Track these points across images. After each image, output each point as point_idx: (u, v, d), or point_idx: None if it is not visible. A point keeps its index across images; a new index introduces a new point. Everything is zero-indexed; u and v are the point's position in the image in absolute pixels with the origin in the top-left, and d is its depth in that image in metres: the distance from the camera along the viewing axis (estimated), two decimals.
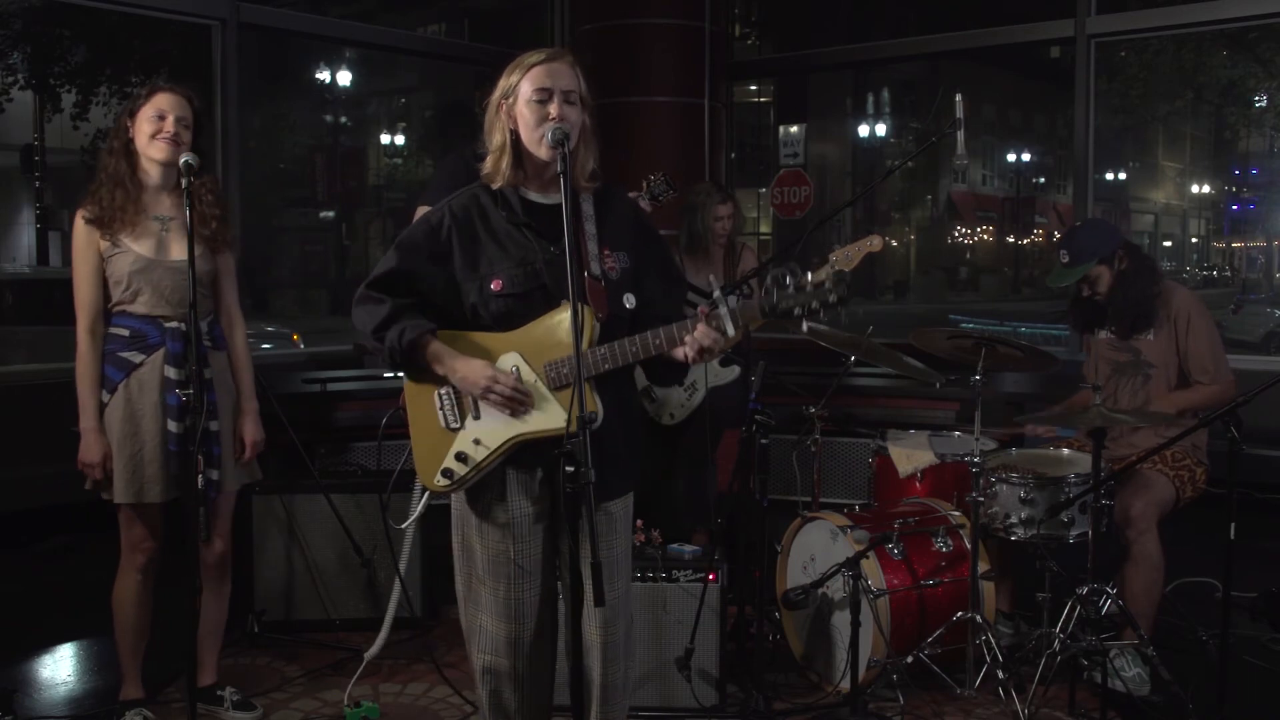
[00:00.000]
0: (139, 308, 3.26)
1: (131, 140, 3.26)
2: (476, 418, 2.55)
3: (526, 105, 2.48)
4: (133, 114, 3.26)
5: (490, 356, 2.53)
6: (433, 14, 26.79)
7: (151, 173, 3.30)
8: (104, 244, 3.23)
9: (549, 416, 2.50)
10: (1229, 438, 3.19)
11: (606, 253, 2.57)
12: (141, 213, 3.26)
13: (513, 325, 2.53)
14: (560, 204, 2.38)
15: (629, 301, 2.57)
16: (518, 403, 2.49)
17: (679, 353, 2.48)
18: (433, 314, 2.57)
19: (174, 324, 3.26)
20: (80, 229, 3.25)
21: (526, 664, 2.62)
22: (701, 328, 2.41)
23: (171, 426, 3.24)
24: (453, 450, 2.56)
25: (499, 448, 2.53)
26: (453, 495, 2.66)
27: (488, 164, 2.57)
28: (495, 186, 2.56)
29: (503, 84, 2.53)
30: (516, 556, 2.58)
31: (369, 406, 5.35)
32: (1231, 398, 3.71)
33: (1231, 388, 3.85)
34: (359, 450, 5.21)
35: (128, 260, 3.24)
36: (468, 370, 2.50)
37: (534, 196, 2.58)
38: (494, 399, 2.49)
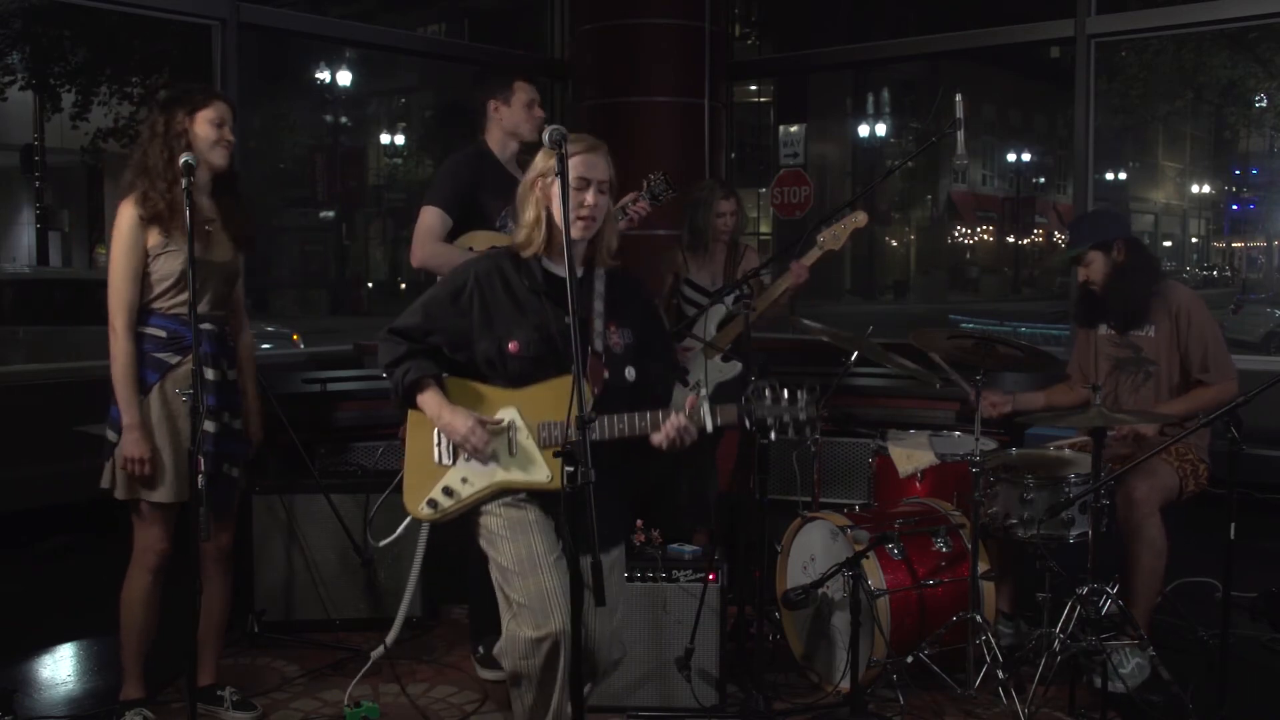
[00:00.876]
0: (176, 307, 3.27)
1: (187, 135, 3.25)
2: (468, 459, 2.76)
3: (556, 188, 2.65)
4: (191, 114, 3.26)
5: (490, 407, 2.75)
6: (433, 14, 26.83)
7: (203, 175, 3.30)
8: (154, 240, 3.23)
9: (531, 470, 2.73)
10: (1229, 438, 3.19)
11: (613, 328, 2.79)
12: (196, 212, 3.27)
13: (524, 384, 2.74)
14: (584, 276, 2.75)
15: (630, 374, 2.78)
16: (487, 457, 2.72)
17: (655, 437, 2.66)
18: (447, 363, 2.80)
19: (208, 325, 3.31)
20: (131, 223, 3.22)
21: (563, 660, 2.66)
22: (681, 418, 2.63)
23: (208, 426, 3.26)
24: (441, 484, 2.78)
25: (483, 489, 2.75)
26: (481, 521, 2.79)
27: (520, 235, 2.78)
28: (525, 255, 2.76)
29: (540, 164, 2.74)
30: (540, 549, 2.69)
31: (369, 406, 5.34)
32: (1235, 395, 3.72)
33: (1234, 385, 3.85)
34: (359, 450, 5.21)
35: (179, 259, 3.23)
36: (452, 419, 2.71)
37: (555, 269, 2.76)
38: (467, 449, 2.71)
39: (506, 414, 2.74)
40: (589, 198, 2.69)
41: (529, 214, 2.75)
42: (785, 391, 2.57)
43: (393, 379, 2.75)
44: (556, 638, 2.62)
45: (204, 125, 3.27)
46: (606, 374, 2.74)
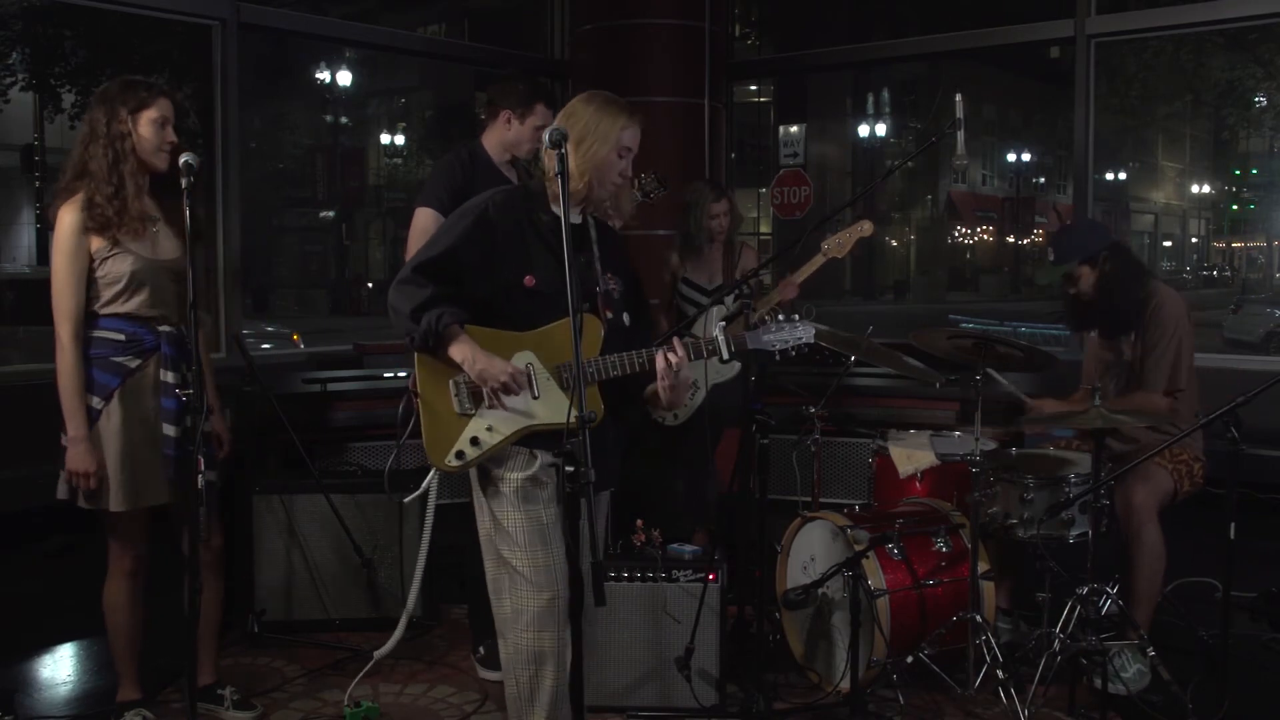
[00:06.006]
0: (132, 309, 3.20)
1: (130, 138, 3.17)
2: (491, 406, 2.73)
3: (610, 155, 2.75)
4: (134, 113, 3.17)
5: (505, 352, 2.73)
6: (433, 14, 26.84)
7: (144, 176, 3.22)
8: (98, 244, 3.15)
9: (557, 411, 2.70)
10: (1229, 438, 3.18)
11: (609, 275, 2.85)
12: (139, 213, 3.19)
13: (533, 324, 2.74)
14: (582, 224, 2.81)
15: (625, 319, 2.86)
16: (512, 402, 2.73)
17: (660, 367, 2.71)
18: (465, 305, 2.75)
19: (166, 327, 3.23)
20: (72, 229, 3.13)
21: (564, 635, 2.70)
22: (680, 350, 2.70)
23: (169, 431, 3.20)
24: (467, 434, 2.74)
25: (511, 434, 2.74)
26: (478, 489, 2.82)
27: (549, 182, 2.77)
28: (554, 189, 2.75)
29: (589, 124, 2.74)
30: (549, 520, 2.74)
31: (369, 406, 5.34)
32: (1164, 410, 3.72)
33: (1161, 400, 3.84)
34: (358, 450, 5.21)
35: (128, 261, 3.17)
36: (489, 364, 2.68)
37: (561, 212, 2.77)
38: (509, 392, 2.70)
39: (523, 358, 2.74)
40: (629, 168, 2.80)
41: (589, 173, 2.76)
42: (782, 316, 2.83)
43: (421, 325, 2.66)
44: (553, 599, 2.70)
45: (147, 126, 3.17)
46: (609, 314, 2.80)
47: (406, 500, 3.49)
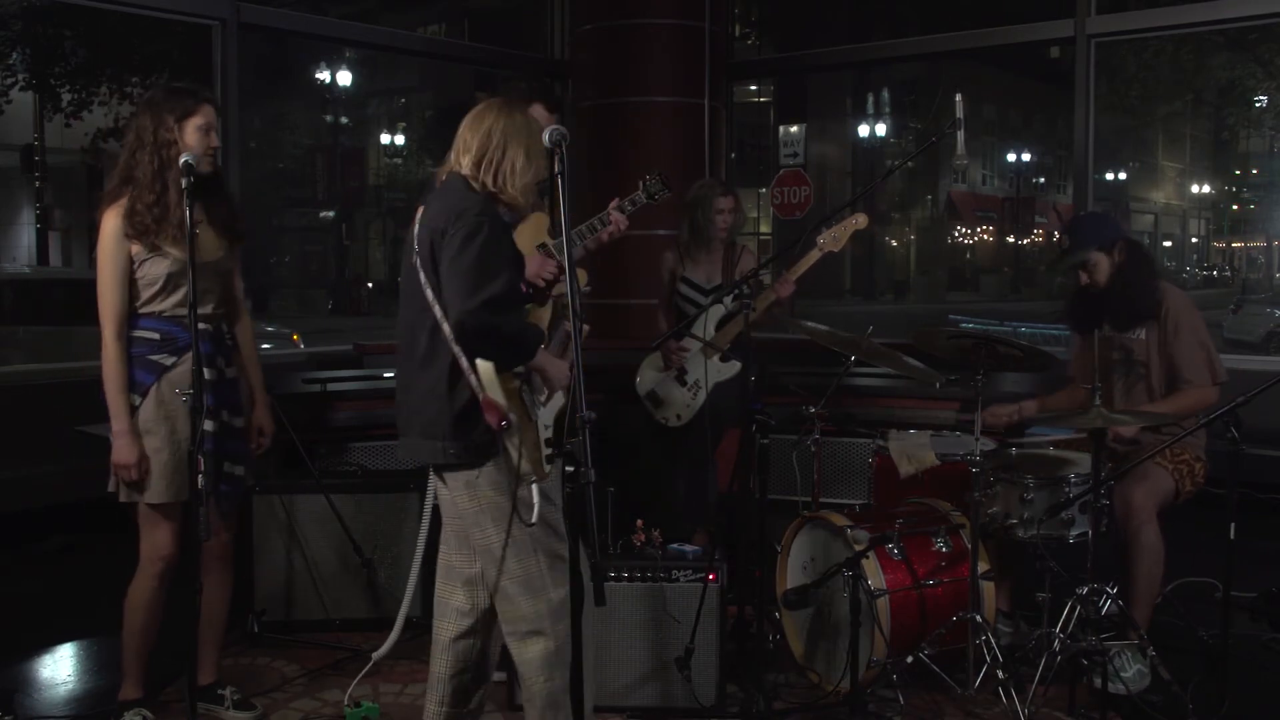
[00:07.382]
0: (167, 309, 3.27)
1: (176, 145, 3.23)
2: (542, 405, 2.85)
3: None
4: (180, 121, 3.24)
5: None
6: (433, 14, 26.90)
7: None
8: (137, 249, 3.23)
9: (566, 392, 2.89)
10: (1229, 438, 3.18)
11: None
12: (180, 219, 3.24)
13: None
14: None
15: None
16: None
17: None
18: None
19: (203, 325, 3.30)
20: (113, 234, 3.22)
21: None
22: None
23: (207, 425, 3.26)
24: (542, 437, 2.84)
25: (551, 423, 2.88)
26: (530, 489, 2.80)
27: (522, 193, 2.83)
28: (519, 209, 2.88)
29: (531, 136, 2.81)
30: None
31: (369, 406, 5.35)
32: (1215, 401, 3.73)
33: (1214, 391, 3.86)
34: (358, 450, 5.21)
35: (164, 264, 3.24)
36: (560, 363, 2.85)
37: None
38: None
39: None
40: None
41: (530, 175, 2.84)
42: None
43: (525, 339, 2.76)
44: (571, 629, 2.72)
45: (193, 134, 3.25)
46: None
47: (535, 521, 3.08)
